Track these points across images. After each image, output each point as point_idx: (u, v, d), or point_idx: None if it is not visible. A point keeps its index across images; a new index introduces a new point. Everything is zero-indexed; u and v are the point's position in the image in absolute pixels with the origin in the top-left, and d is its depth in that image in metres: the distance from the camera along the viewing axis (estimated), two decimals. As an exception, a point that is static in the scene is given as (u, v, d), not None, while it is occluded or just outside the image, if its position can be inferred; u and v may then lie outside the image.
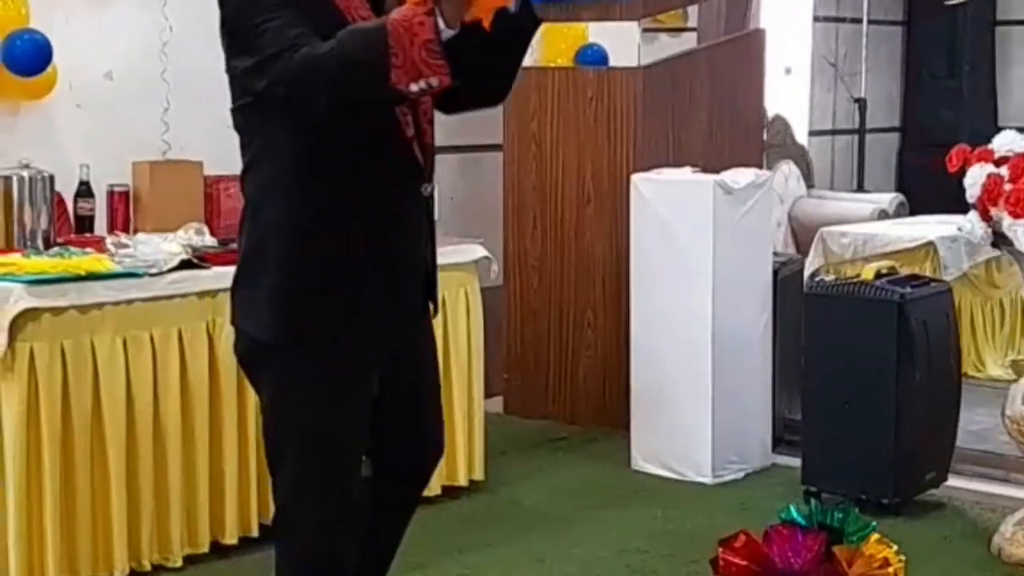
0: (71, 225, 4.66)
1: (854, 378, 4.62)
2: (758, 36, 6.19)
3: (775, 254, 5.89)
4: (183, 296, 4.07)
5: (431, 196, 2.84)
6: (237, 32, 2.65)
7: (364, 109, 2.62)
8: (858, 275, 4.80)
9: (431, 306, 2.95)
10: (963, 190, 4.30)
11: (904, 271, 5.05)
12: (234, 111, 2.80)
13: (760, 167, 6.04)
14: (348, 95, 2.53)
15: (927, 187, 9.33)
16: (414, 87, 2.48)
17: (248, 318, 2.77)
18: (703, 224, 4.98)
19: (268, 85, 2.55)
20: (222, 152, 5.13)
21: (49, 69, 4.81)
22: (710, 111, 5.91)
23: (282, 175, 2.70)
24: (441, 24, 2.47)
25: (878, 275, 4.72)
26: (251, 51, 2.60)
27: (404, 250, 2.80)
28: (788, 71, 9.09)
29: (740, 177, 5.09)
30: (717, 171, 5.21)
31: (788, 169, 8.64)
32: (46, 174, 4.34)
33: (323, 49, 2.52)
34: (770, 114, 8.47)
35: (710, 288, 5.00)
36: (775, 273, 5.45)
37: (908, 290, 4.62)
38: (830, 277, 5.07)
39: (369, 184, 2.71)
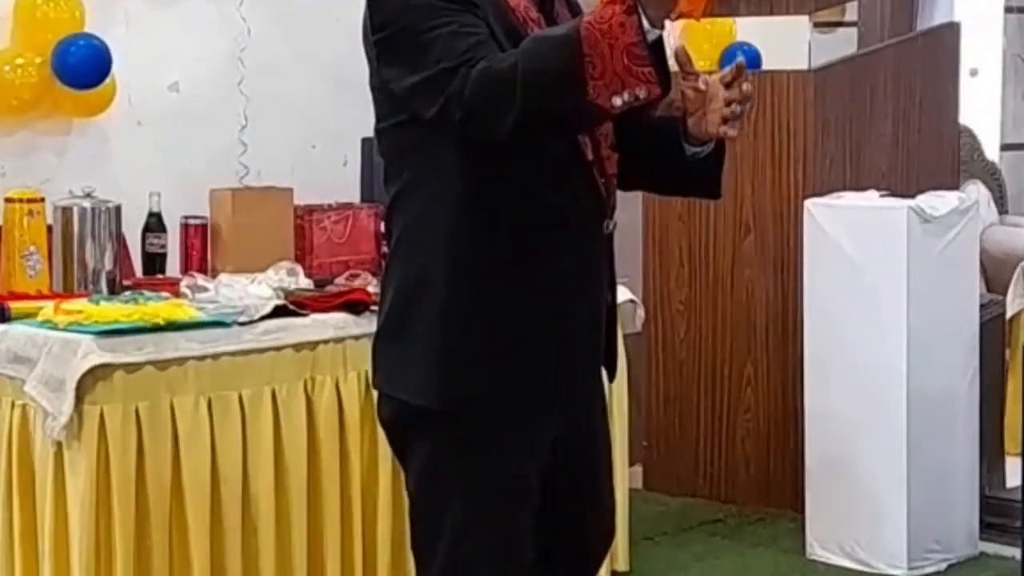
0: (134, 266, 4.71)
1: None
2: (951, 31, 6.16)
3: (970, 294, 5.84)
4: (277, 349, 4.09)
5: (612, 235, 2.84)
6: (395, 42, 2.65)
7: (554, 132, 2.62)
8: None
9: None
10: None
11: None
12: (380, 132, 2.82)
13: (956, 189, 5.99)
14: (538, 115, 2.53)
15: None
16: (617, 100, 2.47)
17: (399, 380, 2.78)
18: (895, 259, 4.94)
19: (443, 105, 2.56)
20: (309, 176, 5.28)
21: (107, 81, 4.89)
22: (896, 122, 5.88)
23: (444, 209, 2.70)
24: (646, 24, 2.46)
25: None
26: (416, 65, 2.60)
27: (586, 301, 2.80)
28: (974, 73, 8.99)
29: (940, 202, 5.06)
30: (908, 195, 5.18)
31: (976, 191, 8.53)
32: (111, 205, 4.39)
33: (506, 62, 2.53)
34: (955, 125, 8.43)
35: (904, 337, 4.95)
36: (978, 316, 5.41)
37: None
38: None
39: (546, 219, 2.71)
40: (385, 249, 3.75)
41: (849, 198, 5.24)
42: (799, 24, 5.87)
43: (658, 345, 5.95)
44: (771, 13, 5.75)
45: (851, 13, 7.48)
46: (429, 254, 2.72)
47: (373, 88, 2.80)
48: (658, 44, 2.50)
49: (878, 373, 5.00)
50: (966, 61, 8.88)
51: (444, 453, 2.75)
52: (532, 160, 2.66)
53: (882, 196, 5.22)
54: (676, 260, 5.88)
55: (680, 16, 2.54)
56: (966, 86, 8.90)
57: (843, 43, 7.08)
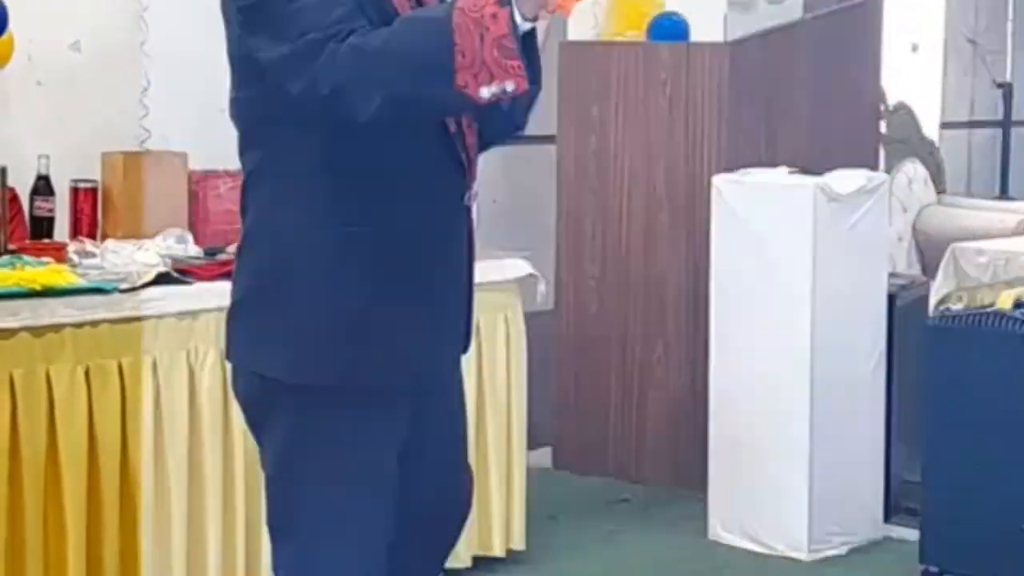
0: (26, 228, 4.73)
1: (987, 431, 4.62)
2: (874, 5, 6.20)
3: (893, 275, 5.90)
4: (159, 317, 4.11)
5: (470, 208, 2.89)
6: (261, 9, 2.64)
7: (420, 116, 2.65)
8: (993, 303, 4.80)
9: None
10: None
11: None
12: (238, 100, 2.83)
13: (875, 168, 6.05)
14: (404, 99, 2.55)
15: (1088, 194, 9.37)
16: (485, 92, 2.50)
17: (259, 355, 2.81)
18: (801, 237, 5.00)
19: (310, 81, 2.56)
20: (212, 142, 5.24)
21: (4, 37, 4.87)
22: (813, 98, 5.93)
23: (305, 183, 2.72)
24: (518, 17, 2.48)
25: (1018, 303, 4.72)
26: (282, 35, 2.60)
27: (449, 276, 2.85)
28: (915, 48, 9.09)
29: (848, 180, 5.11)
30: (821, 173, 5.23)
31: (913, 170, 8.64)
32: (-4, 167, 4.41)
33: (376, 40, 2.54)
34: (891, 102, 8.48)
35: (809, 317, 5.02)
36: (892, 298, 5.47)
37: (1054, 323, 4.63)
38: (959, 305, 5.07)
39: (409, 195, 2.75)
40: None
41: (758, 175, 5.29)
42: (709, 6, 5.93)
43: (570, 322, 6.00)
44: (691, -17, 5.81)
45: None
46: (290, 234, 2.75)
47: (232, 55, 2.80)
48: (530, 37, 2.53)
49: (783, 354, 5.06)
50: (906, 37, 9.00)
51: (301, 431, 2.78)
52: (393, 135, 2.69)
53: (791, 173, 5.27)
54: (588, 235, 5.93)
55: (553, 11, 2.54)
56: (906, 62, 9.01)
57: (791, 15, 7.14)
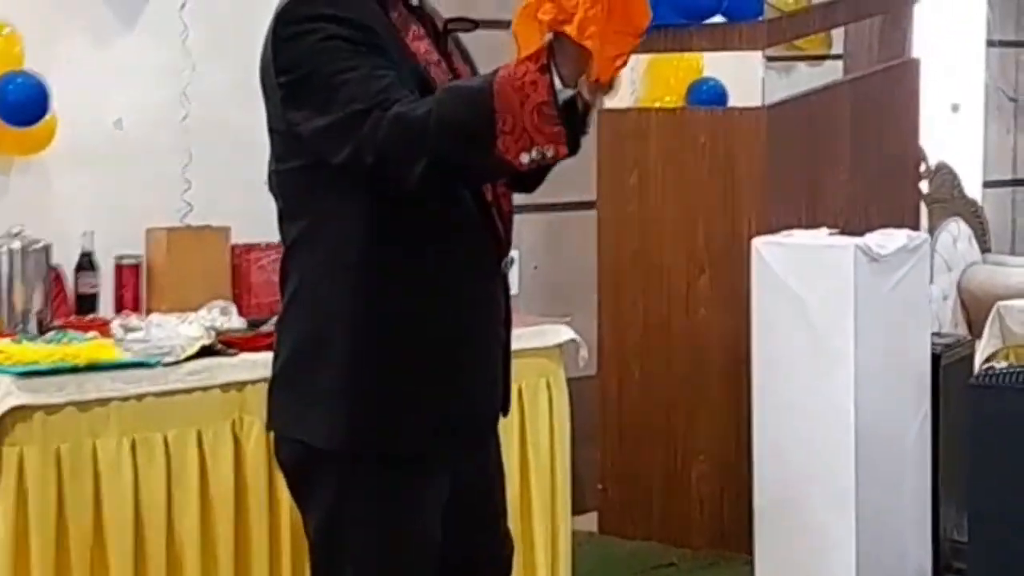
0: (70, 305, 4.79)
1: (1031, 489, 4.62)
2: (912, 67, 6.24)
3: (937, 335, 5.91)
4: (204, 390, 4.16)
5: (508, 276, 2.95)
6: (304, 84, 2.69)
7: (462, 182, 2.71)
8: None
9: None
10: None
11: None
12: (278, 173, 2.88)
13: (916, 227, 6.06)
14: (448, 165, 2.59)
15: None
16: (525, 157, 2.54)
17: (300, 424, 2.84)
18: (843, 298, 5.00)
19: (354, 149, 2.61)
20: (252, 215, 5.31)
21: (47, 118, 4.96)
22: (853, 160, 5.96)
23: (348, 252, 2.76)
24: (558, 83, 2.52)
25: (1061, 361, 4.73)
26: (326, 107, 2.65)
27: (488, 343, 2.90)
28: (956, 108, 9.11)
29: (888, 240, 5.12)
30: (862, 233, 5.25)
31: (957, 229, 8.64)
32: (40, 244, 4.48)
33: (420, 109, 2.58)
34: (933, 162, 8.49)
35: (852, 377, 5.01)
36: (937, 358, 5.46)
37: (1100, 380, 4.63)
38: (1003, 364, 5.07)
39: (449, 265, 2.81)
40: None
41: (798, 236, 5.31)
42: (754, 59, 5.95)
43: (612, 388, 6.02)
44: (724, 48, 5.83)
45: (838, 46, 7.59)
46: (331, 303, 2.79)
47: (273, 129, 2.85)
48: (570, 103, 2.56)
49: (826, 414, 5.05)
50: (947, 97, 9.02)
51: (348, 497, 2.82)
52: (433, 204, 2.74)
53: (832, 234, 5.29)
54: (629, 299, 5.95)
55: (595, 80, 2.58)
56: (948, 122, 9.03)
57: (832, 75, 7.18)
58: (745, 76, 6.23)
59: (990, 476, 4.74)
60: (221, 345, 4.27)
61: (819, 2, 7.63)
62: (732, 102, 6.14)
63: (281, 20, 2.74)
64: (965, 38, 9.15)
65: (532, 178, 2.88)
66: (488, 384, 2.93)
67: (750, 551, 5.30)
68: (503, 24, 6.08)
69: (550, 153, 2.54)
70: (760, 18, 5.80)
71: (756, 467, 5.26)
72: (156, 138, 5.37)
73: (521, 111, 2.50)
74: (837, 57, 7.50)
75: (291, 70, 2.72)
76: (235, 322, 4.52)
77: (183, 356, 4.16)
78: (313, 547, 2.92)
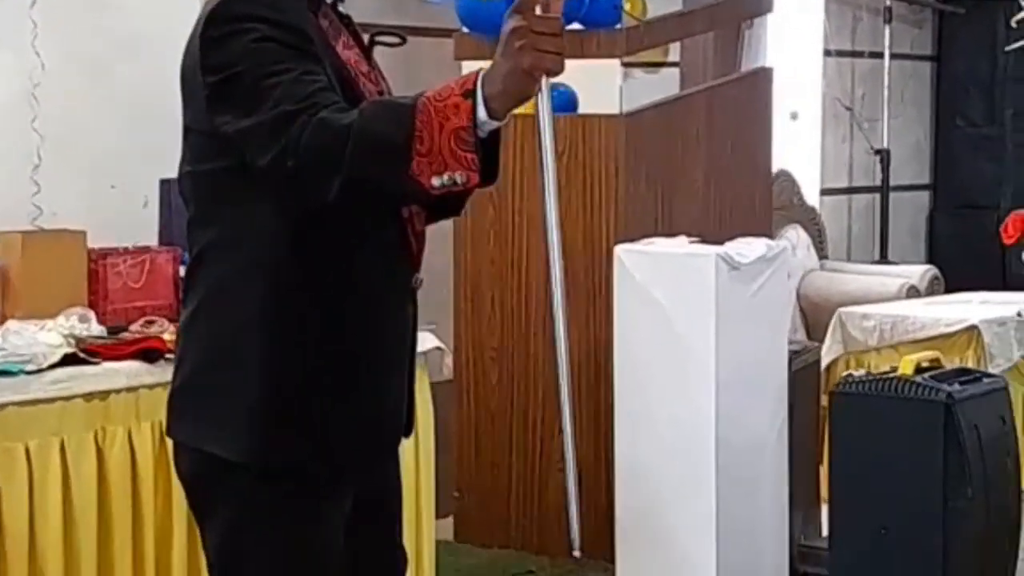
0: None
1: (892, 497, 4.70)
2: (764, 75, 6.33)
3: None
4: (67, 399, 4.09)
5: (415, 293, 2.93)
6: (234, 84, 2.63)
7: (377, 201, 2.65)
8: (894, 369, 4.89)
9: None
10: (1012, 262, 4.43)
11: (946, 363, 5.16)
12: (192, 176, 2.81)
13: (770, 235, 6.15)
14: (363, 179, 2.55)
15: (965, 258, 9.59)
16: (436, 181, 2.50)
17: (206, 433, 2.78)
18: (704, 307, 5.04)
19: (279, 152, 2.56)
20: (104, 219, 5.26)
21: None
22: (708, 168, 6.03)
23: (263, 259, 2.72)
24: (482, 113, 2.48)
25: (918, 369, 4.82)
26: (253, 108, 2.59)
27: (397, 359, 2.89)
28: (794, 116, 9.27)
29: (748, 249, 5.18)
30: (718, 241, 5.30)
31: (796, 236, 8.79)
32: None
33: (344, 119, 2.54)
34: (774, 169, 8.63)
35: (712, 385, 5.06)
36: (788, 364, 5.54)
37: (956, 387, 4.73)
38: (860, 371, 5.16)
39: (362, 281, 2.78)
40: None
41: (659, 244, 5.35)
42: (612, 67, 5.98)
43: (469, 393, 6.02)
44: (582, 55, 5.84)
45: (674, 54, 7.66)
46: (243, 312, 2.74)
47: (192, 129, 2.79)
48: (495, 136, 2.54)
49: (686, 422, 5.10)
50: (786, 105, 9.17)
51: (252, 512, 2.77)
52: (350, 220, 2.70)
53: (692, 242, 5.34)
54: (487, 306, 5.96)
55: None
56: (786, 130, 9.18)
57: (668, 85, 7.25)
58: (599, 83, 6.26)
59: (850, 483, 4.83)
60: (84, 354, 4.19)
61: (671, 12, 7.76)
62: (589, 109, 6.15)
63: (212, 20, 2.69)
64: (803, 47, 9.32)
65: (452, 203, 2.85)
66: (396, 400, 2.92)
67: (611, 559, 5.33)
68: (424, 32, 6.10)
69: (461, 180, 2.49)
70: (618, 26, 5.83)
71: (617, 475, 5.30)
72: (5, 140, 5.27)
73: (440, 134, 2.47)
74: (673, 64, 7.58)
75: (221, 70, 2.66)
76: (94, 329, 4.45)
77: (45, 364, 4.10)
78: (212, 565, 2.86)
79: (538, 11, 2.50)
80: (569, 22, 5.71)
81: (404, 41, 2.96)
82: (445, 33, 6.11)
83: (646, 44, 6.10)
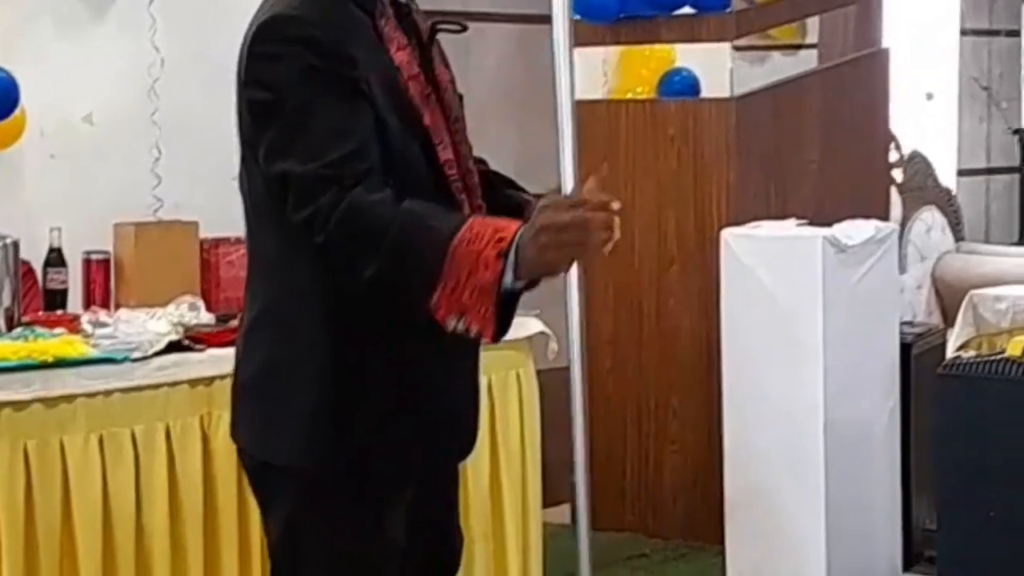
0: (41, 301, 4.80)
1: (998, 481, 4.64)
2: (881, 57, 6.26)
3: (910, 324, 5.94)
4: (171, 385, 4.15)
5: None
6: (270, 112, 2.64)
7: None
8: (1003, 350, 4.82)
9: None
10: None
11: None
12: (248, 175, 2.81)
13: (885, 217, 6.08)
14: (386, 283, 2.58)
15: (1107, 238, 9.39)
16: (451, 322, 2.53)
17: (267, 443, 2.83)
18: (810, 290, 5.02)
19: (309, 218, 2.56)
20: (223, 209, 5.30)
21: (16, 113, 4.96)
22: (823, 150, 5.98)
23: (319, 279, 2.72)
24: (509, 279, 2.49)
25: (1029, 350, 4.76)
26: (287, 149, 2.60)
27: (455, 359, 2.86)
28: (929, 97, 9.15)
29: (855, 231, 5.14)
30: (831, 223, 5.27)
31: (931, 218, 8.69)
32: (8, 240, 4.48)
33: (379, 219, 2.54)
34: (907, 151, 8.54)
35: (820, 369, 5.03)
36: (908, 347, 5.50)
37: (1064, 369, 4.65)
38: (970, 353, 5.10)
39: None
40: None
41: (767, 228, 5.33)
42: (723, 50, 5.96)
43: (585, 379, 6.01)
44: (692, 40, 5.84)
45: (813, 35, 7.61)
46: (301, 331, 2.76)
47: (240, 131, 2.79)
48: (515, 297, 2.53)
49: (795, 405, 5.08)
50: (921, 85, 9.06)
51: (309, 514, 2.80)
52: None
53: (799, 225, 5.31)
54: (601, 291, 5.96)
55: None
56: (921, 110, 9.07)
57: (806, 65, 7.20)
58: (716, 67, 6.24)
59: (957, 465, 4.77)
60: (189, 341, 4.28)
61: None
62: (704, 93, 6.14)
63: (260, 35, 2.69)
64: (939, 27, 9.19)
65: None
66: (457, 405, 2.92)
67: (722, 542, 5.32)
68: (472, 16, 6.10)
69: (474, 330, 2.52)
70: (728, 9, 5.81)
71: (727, 458, 5.29)
72: (126, 133, 5.38)
73: (465, 281, 2.49)
74: (812, 46, 7.53)
75: (261, 91, 2.66)
76: (203, 317, 4.53)
77: (151, 352, 4.18)
78: (273, 556, 2.91)
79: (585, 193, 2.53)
80: (680, 6, 5.72)
81: (465, 28, 2.94)
82: (508, 19, 6.13)
83: (756, 27, 6.07)
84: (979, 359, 4.87)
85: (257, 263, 2.85)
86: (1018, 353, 4.74)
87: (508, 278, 2.49)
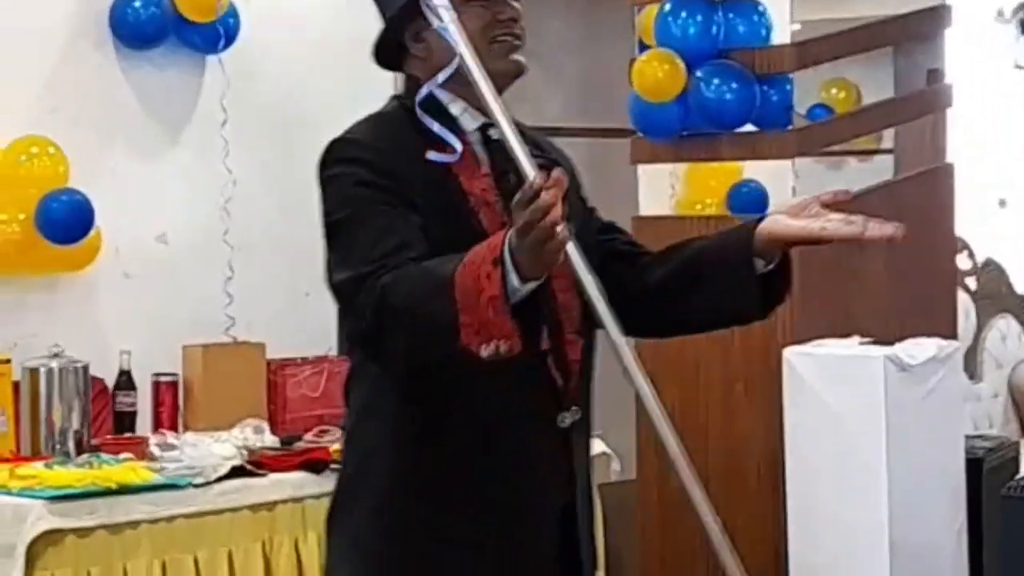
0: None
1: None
2: (946, 171, 6.24)
3: (982, 437, 5.88)
4: (234, 510, 4.22)
5: (574, 429, 2.76)
6: (331, 231, 2.67)
7: (442, 370, 2.57)
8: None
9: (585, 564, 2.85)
10: None
11: None
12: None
13: (954, 334, 6.04)
14: (423, 355, 2.52)
15: None
16: (484, 351, 2.44)
17: (335, 568, 2.79)
18: (873, 408, 4.98)
19: (355, 319, 2.56)
20: (291, 329, 5.42)
21: (92, 233, 5.04)
22: (889, 266, 5.94)
23: (385, 395, 2.68)
24: (515, 280, 2.43)
25: (1095, 471, 4.71)
26: (340, 263, 2.62)
27: (534, 506, 2.73)
28: (1003, 204, 9.09)
29: (919, 350, 5.11)
30: (894, 341, 5.24)
31: (1006, 325, 8.62)
32: (79, 364, 4.57)
33: (401, 291, 2.50)
34: (980, 259, 8.49)
35: (885, 489, 4.98)
36: (979, 463, 5.44)
37: None
38: (1025, 472, 5.06)
39: (490, 419, 2.67)
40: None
41: (828, 346, 5.31)
42: (784, 167, 5.97)
43: (651, 494, 6.00)
44: (754, 157, 5.84)
45: (888, 140, 7.60)
46: (370, 448, 2.73)
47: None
48: (531, 297, 2.48)
49: (860, 525, 5.02)
50: (994, 192, 9.02)
51: None
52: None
53: (863, 343, 5.28)
54: (667, 408, 5.92)
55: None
56: (994, 217, 9.01)
57: (882, 170, 7.18)
58: (782, 180, 6.25)
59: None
60: (251, 465, 4.32)
61: (858, 103, 7.73)
62: (773, 205, 6.13)
63: (322, 161, 2.74)
64: (1011, 134, 9.14)
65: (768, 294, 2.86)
66: (535, 544, 2.75)
67: (788, 662, 5.27)
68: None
69: (504, 349, 2.44)
70: (789, 127, 5.81)
71: (791, 567, 5.24)
72: (199, 253, 5.46)
73: (477, 305, 2.42)
74: (888, 151, 7.49)
75: (326, 213, 2.70)
76: (268, 440, 4.60)
77: (213, 477, 4.23)
78: None
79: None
80: (742, 123, 5.73)
81: (556, 164, 2.77)
82: (629, 133, 6.15)
83: (817, 145, 6.06)
84: (1043, 481, 4.82)
85: (349, 378, 2.82)
86: (1085, 475, 4.69)
87: (515, 281, 2.42)
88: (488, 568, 2.71)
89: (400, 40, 2.79)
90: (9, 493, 4.02)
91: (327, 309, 5.37)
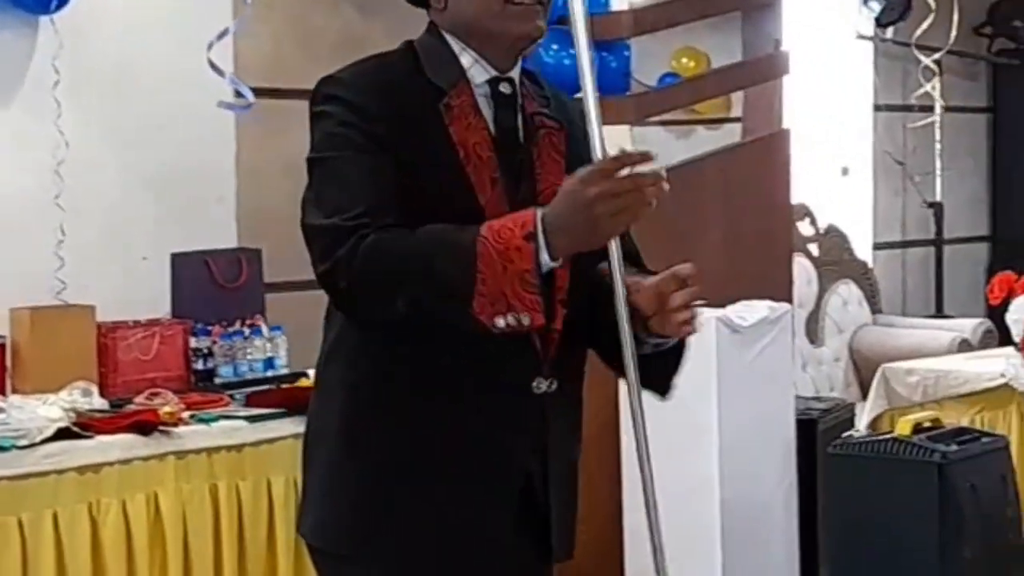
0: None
1: (886, 558, 4.67)
2: (781, 137, 6.31)
3: (819, 399, 5.96)
4: (59, 472, 4.18)
5: (552, 394, 2.77)
6: (312, 168, 2.67)
7: (437, 324, 2.58)
8: (891, 430, 4.88)
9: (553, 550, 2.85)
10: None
11: (964, 421, 5.13)
12: None
13: (789, 298, 6.13)
14: (422, 310, 2.53)
15: (1024, 310, 9.46)
16: (500, 321, 2.48)
17: (302, 517, 2.81)
18: (704, 371, 5.05)
19: (330, 270, 2.55)
20: (126, 292, 5.37)
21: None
22: (725, 231, 6.01)
23: (348, 337, 2.71)
24: (546, 257, 2.48)
25: (917, 429, 4.80)
26: (317, 204, 2.62)
27: (486, 453, 2.71)
28: (845, 172, 9.24)
29: (749, 312, 5.18)
30: (731, 303, 5.31)
31: (847, 291, 8.76)
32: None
33: (400, 244, 2.52)
34: (823, 225, 8.62)
35: (716, 448, 5.05)
36: (814, 424, 5.52)
37: (952, 448, 4.70)
38: (860, 432, 5.15)
39: (455, 364, 2.66)
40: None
41: (662, 308, 5.35)
42: (623, 133, 6.00)
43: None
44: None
45: (737, 109, 7.68)
46: (329, 391, 2.75)
47: None
48: (552, 275, 2.54)
49: (692, 484, 5.08)
50: (836, 160, 9.17)
51: None
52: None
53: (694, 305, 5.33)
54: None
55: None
56: (837, 185, 9.17)
57: (731, 139, 7.24)
58: (622, 146, 6.27)
59: (846, 544, 4.81)
60: (77, 428, 4.28)
61: (706, 71, 7.77)
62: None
63: (310, 98, 2.72)
64: (854, 103, 9.30)
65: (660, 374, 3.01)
66: (493, 514, 2.73)
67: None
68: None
69: (526, 321, 2.48)
70: (627, 93, 5.85)
71: (626, 542, 5.29)
72: (29, 215, 5.39)
73: (503, 276, 2.46)
74: (736, 120, 7.57)
75: (311, 148, 2.70)
76: (96, 403, 4.55)
77: (38, 439, 4.19)
78: None
79: (624, 171, 2.50)
80: (577, 90, 5.75)
81: (563, 127, 2.84)
82: None
83: (655, 110, 6.11)
84: (868, 438, 4.92)
85: (326, 318, 2.82)
86: (907, 432, 4.80)
87: (545, 258, 2.47)
88: (447, 510, 2.70)
89: None
90: None
91: (163, 273, 5.45)
